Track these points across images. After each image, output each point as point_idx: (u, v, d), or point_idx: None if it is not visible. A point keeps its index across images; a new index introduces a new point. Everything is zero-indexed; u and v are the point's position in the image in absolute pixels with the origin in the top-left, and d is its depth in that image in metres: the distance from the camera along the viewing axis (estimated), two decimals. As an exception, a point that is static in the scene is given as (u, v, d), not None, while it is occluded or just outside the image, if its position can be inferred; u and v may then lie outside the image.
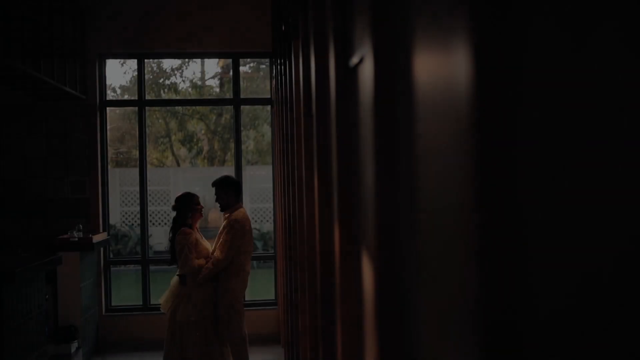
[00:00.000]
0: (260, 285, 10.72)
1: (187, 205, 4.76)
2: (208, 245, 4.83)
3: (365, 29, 1.32)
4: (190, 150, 15.86)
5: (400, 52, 1.14)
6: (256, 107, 14.08)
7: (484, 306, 0.69)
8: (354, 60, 1.59)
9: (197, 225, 4.89)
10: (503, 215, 0.65)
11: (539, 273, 0.66)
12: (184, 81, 15.59)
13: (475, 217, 0.67)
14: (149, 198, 11.91)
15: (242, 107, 7.24)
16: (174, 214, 4.81)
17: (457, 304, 0.82)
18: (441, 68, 0.86)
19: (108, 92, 7.28)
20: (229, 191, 4.80)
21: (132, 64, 13.97)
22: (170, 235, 4.80)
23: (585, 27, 0.57)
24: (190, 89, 15.42)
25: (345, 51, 1.75)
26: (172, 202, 4.85)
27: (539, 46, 0.64)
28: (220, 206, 4.87)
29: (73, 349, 5.78)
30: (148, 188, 7.08)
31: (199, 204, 4.85)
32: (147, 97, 11.80)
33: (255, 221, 13.30)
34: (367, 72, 1.33)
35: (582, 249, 0.58)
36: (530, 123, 0.65)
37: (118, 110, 14.41)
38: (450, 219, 0.86)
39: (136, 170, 7.16)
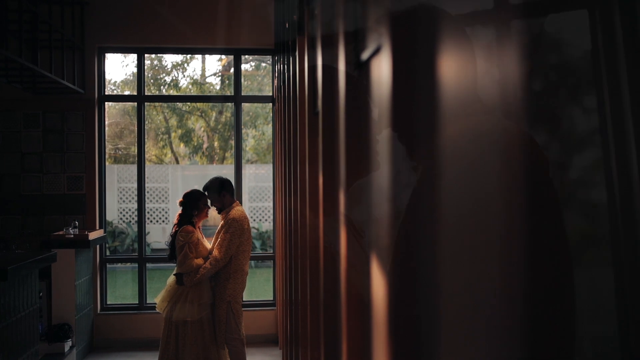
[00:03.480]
0: (259, 286, 10.64)
1: (194, 202, 4.67)
2: (208, 246, 4.74)
3: (381, 17, 1.23)
4: (190, 147, 15.77)
5: (423, 42, 1.04)
6: (256, 106, 14.00)
7: (529, 315, 0.60)
8: (366, 53, 1.50)
9: (200, 224, 4.80)
10: (558, 223, 0.56)
11: (591, 283, 0.57)
12: (184, 77, 15.51)
13: (525, 224, 0.58)
14: (147, 195, 11.82)
15: (242, 105, 7.15)
16: (179, 209, 4.71)
17: (489, 315, 0.74)
18: (475, 61, 0.77)
19: (107, 86, 7.17)
20: (221, 192, 4.72)
21: (132, 58, 13.89)
22: (173, 231, 4.70)
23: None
24: (190, 86, 15.34)
25: (355, 44, 1.66)
26: (180, 198, 4.75)
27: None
28: (217, 209, 4.78)
29: (67, 348, 5.69)
30: (146, 185, 6.99)
31: (206, 203, 4.75)
32: (147, 92, 11.70)
33: (254, 220, 13.22)
34: (383, 65, 1.24)
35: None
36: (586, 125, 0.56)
37: (117, 105, 14.32)
38: (481, 224, 0.78)
39: (134, 167, 7.09)
